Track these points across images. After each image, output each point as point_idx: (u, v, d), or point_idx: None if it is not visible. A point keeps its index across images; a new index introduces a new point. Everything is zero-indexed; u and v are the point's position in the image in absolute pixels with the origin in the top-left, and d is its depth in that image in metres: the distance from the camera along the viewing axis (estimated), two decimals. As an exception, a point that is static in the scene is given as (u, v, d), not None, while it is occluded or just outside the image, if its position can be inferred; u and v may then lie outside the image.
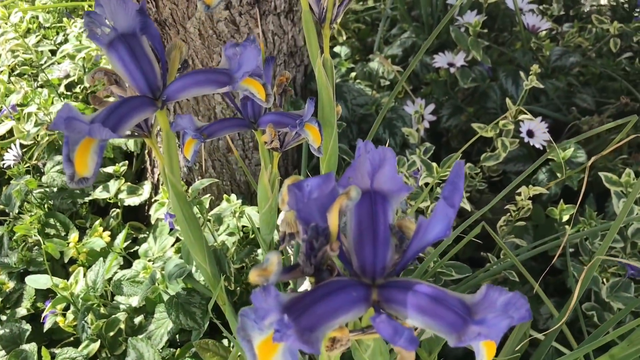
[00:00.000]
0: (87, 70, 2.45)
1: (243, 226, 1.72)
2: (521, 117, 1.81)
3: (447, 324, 0.63)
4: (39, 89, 2.42)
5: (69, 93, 2.50)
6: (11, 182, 2.16)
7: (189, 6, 1.53)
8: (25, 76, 2.55)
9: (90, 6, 2.45)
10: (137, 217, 2.25)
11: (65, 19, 2.62)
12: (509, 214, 1.71)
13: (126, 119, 0.77)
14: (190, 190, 1.67)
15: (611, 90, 2.35)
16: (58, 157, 2.22)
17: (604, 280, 1.50)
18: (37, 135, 2.27)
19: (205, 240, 1.05)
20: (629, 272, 1.48)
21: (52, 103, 2.30)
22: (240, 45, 0.77)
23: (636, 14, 2.60)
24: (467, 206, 1.65)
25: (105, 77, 0.87)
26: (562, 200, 1.71)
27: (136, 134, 0.89)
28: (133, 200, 2.09)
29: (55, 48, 2.67)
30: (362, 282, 0.66)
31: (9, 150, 2.30)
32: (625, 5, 2.64)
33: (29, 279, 1.73)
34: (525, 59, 2.26)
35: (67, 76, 2.47)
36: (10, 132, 2.33)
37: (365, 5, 2.88)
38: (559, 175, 1.81)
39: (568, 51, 2.28)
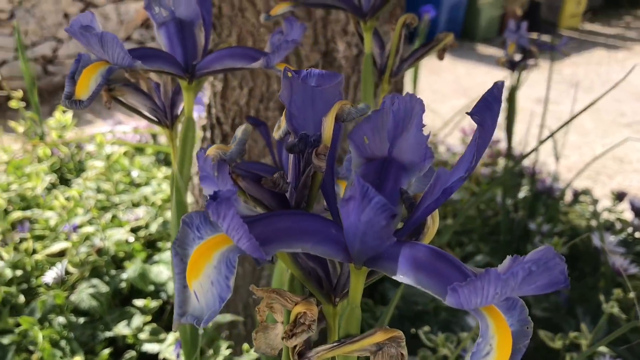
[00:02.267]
0: (157, 217, 2.48)
1: None
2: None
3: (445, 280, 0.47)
4: (105, 216, 2.45)
5: (133, 234, 2.51)
6: (40, 292, 2.08)
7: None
8: (98, 204, 2.60)
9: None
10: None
11: (154, 168, 2.75)
12: None
13: (151, 58, 0.72)
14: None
15: None
16: (95, 281, 2.14)
17: None
18: (85, 256, 2.23)
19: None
20: None
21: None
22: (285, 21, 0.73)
23: None
24: None
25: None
26: None
27: (159, 119, 0.83)
28: (152, 347, 1.91)
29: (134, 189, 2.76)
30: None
31: (52, 268, 2.25)
32: None
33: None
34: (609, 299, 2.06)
35: (137, 219, 2.51)
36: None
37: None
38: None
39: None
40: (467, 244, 2.56)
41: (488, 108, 0.49)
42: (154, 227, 2.44)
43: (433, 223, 0.55)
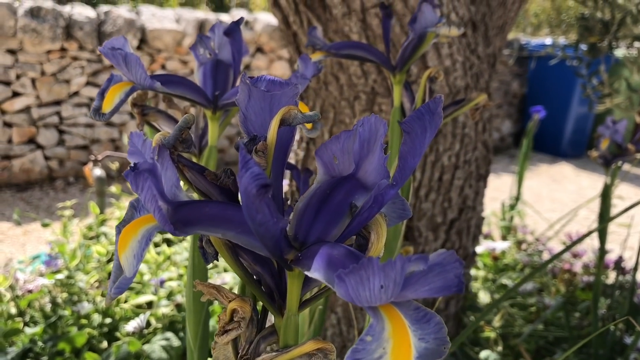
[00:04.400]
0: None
1: None
2: None
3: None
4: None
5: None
6: (119, 336, 2.18)
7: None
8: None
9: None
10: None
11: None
12: None
13: (174, 84, 0.79)
14: None
15: None
16: (169, 334, 2.21)
17: None
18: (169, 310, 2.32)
19: (208, 316, 0.92)
20: None
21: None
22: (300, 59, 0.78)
23: None
24: None
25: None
26: None
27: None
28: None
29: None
30: (285, 236, 0.51)
31: (136, 318, 2.37)
32: None
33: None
34: None
35: (223, 283, 2.59)
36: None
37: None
38: None
39: None
40: (554, 352, 2.37)
41: (419, 118, 0.50)
42: (235, 290, 2.50)
43: (378, 238, 0.54)
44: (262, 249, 0.50)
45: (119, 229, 0.52)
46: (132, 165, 0.46)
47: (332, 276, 0.45)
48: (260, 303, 0.59)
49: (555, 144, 7.31)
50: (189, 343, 0.92)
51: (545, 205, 5.45)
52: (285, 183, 1.80)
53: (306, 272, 0.48)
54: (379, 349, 0.43)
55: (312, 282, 0.56)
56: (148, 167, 0.47)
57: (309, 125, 0.82)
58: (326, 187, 0.57)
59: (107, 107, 0.75)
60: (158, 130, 0.88)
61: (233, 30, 0.85)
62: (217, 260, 0.57)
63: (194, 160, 0.89)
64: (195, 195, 0.56)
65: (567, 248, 1.11)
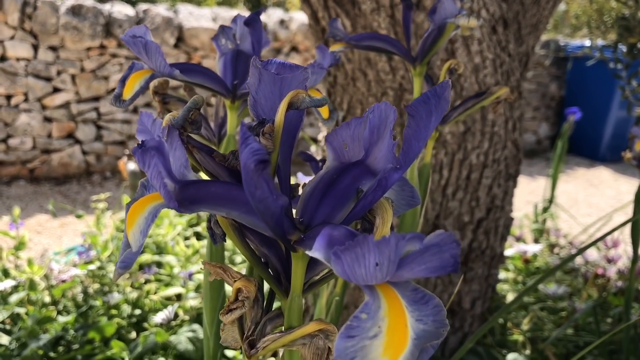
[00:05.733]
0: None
1: None
2: None
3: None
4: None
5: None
6: (147, 327, 2.22)
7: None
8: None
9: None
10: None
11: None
12: None
13: (193, 72, 0.80)
14: None
15: None
16: (196, 326, 2.24)
17: None
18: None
19: (224, 303, 0.93)
20: None
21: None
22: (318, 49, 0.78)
23: None
24: None
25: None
26: None
27: (208, 137, 0.91)
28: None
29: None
30: (288, 216, 0.52)
31: (164, 309, 2.40)
32: None
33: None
34: None
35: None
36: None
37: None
38: None
39: None
40: (584, 357, 2.32)
41: (424, 102, 0.50)
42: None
43: (383, 223, 0.55)
44: (266, 229, 0.51)
45: (128, 206, 0.53)
46: (139, 142, 0.47)
47: (329, 254, 0.45)
48: (268, 286, 0.60)
49: (593, 148, 7.16)
50: (206, 330, 0.93)
51: (582, 209, 5.34)
52: (307, 178, 1.81)
53: (307, 252, 0.48)
54: (374, 327, 0.43)
55: (318, 265, 0.56)
56: (155, 145, 0.48)
57: (325, 115, 0.82)
58: (334, 172, 0.57)
59: (127, 94, 0.77)
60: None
61: (253, 21, 0.86)
62: (225, 242, 0.58)
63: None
64: (205, 177, 0.57)
65: (583, 249, 1.08)
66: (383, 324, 0.43)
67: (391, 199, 0.65)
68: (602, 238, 1.13)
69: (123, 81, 0.78)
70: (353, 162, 0.59)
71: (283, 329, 0.59)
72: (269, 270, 0.59)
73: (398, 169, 0.50)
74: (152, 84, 0.86)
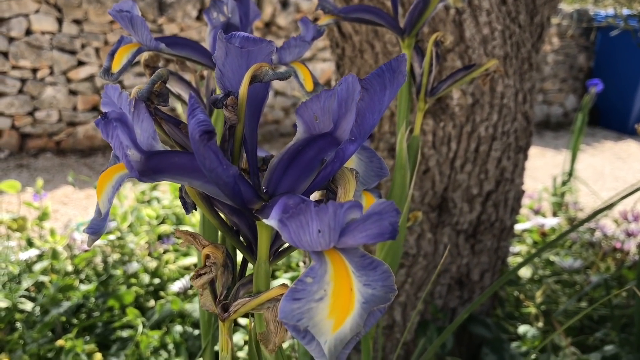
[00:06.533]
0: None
1: None
2: None
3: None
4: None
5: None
6: (164, 296, 2.28)
7: None
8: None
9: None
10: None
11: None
12: None
13: (179, 46, 0.82)
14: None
15: None
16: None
17: None
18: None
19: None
20: None
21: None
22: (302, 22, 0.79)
23: None
24: None
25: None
26: None
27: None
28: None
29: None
30: (250, 188, 0.54)
31: (181, 279, 2.46)
32: None
33: None
34: None
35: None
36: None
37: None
38: None
39: None
40: (597, 330, 2.32)
41: (379, 75, 0.51)
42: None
43: (344, 193, 0.56)
44: (227, 199, 0.53)
45: (99, 175, 0.56)
46: (102, 115, 0.49)
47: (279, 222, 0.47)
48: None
49: (622, 121, 7.01)
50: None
51: (608, 183, 5.27)
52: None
53: (264, 220, 0.50)
54: (319, 290, 0.45)
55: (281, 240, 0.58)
56: (117, 116, 0.50)
57: (309, 87, 0.83)
58: (301, 143, 0.59)
59: (115, 67, 0.79)
60: (172, 93, 0.92)
61: (240, -7, 0.88)
62: (196, 210, 0.60)
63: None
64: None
65: (593, 215, 1.08)
66: (329, 287, 0.45)
67: (359, 171, 0.67)
68: (612, 206, 1.13)
69: (112, 54, 0.80)
70: (320, 134, 0.60)
71: (252, 294, 0.61)
72: (240, 238, 0.61)
73: (353, 141, 0.51)
74: (142, 57, 0.88)
